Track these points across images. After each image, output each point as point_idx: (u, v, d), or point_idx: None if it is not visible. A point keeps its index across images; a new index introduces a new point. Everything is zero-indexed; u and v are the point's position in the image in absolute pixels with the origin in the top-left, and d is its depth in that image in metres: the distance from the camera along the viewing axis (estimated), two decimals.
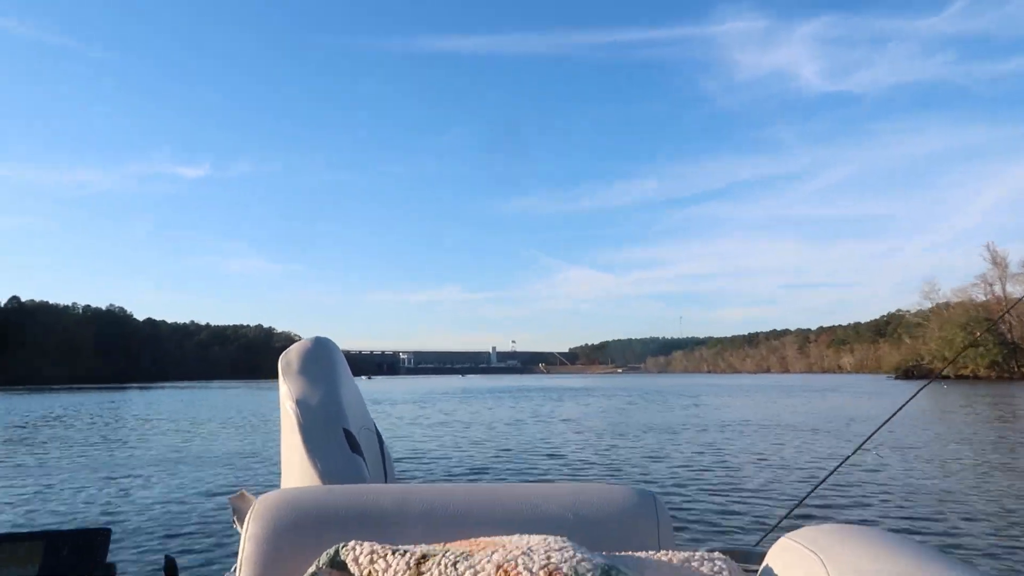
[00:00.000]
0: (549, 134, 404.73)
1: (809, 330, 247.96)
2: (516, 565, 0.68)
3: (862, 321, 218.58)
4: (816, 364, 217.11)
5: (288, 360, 1.45)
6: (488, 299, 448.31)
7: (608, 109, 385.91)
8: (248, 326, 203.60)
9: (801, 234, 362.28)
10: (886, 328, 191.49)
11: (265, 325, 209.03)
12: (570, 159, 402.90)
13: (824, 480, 2.91)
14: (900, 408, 2.95)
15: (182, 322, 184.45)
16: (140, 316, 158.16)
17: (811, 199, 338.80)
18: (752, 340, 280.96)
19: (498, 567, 0.68)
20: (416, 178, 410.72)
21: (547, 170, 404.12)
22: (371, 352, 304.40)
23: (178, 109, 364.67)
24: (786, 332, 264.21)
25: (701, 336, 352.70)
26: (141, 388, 69.92)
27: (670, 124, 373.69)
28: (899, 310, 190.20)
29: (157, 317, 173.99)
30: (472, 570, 0.69)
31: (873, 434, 2.96)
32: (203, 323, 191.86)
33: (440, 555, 0.73)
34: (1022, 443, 15.26)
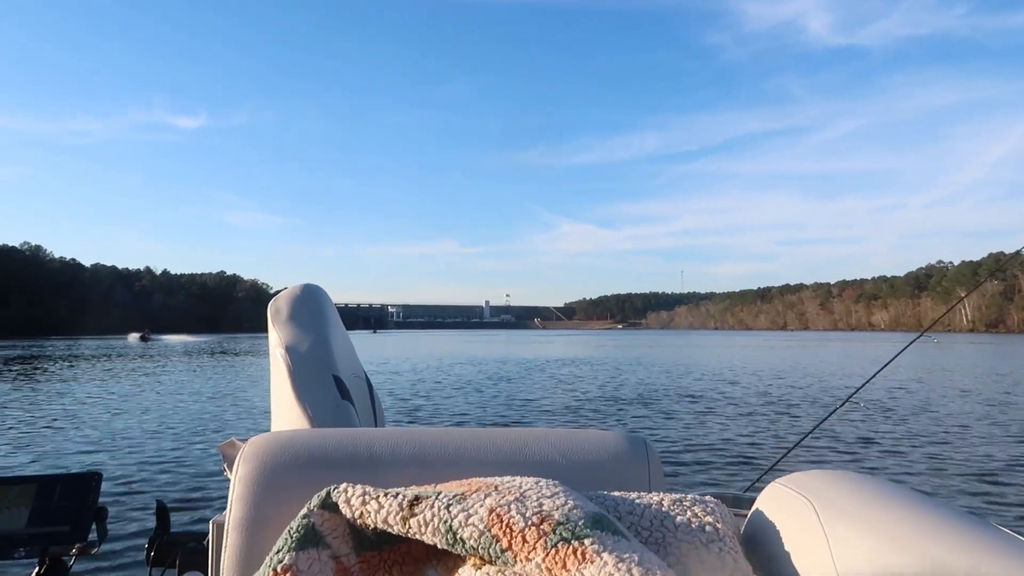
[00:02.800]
0: (551, 86, 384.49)
1: (828, 284, 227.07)
2: (509, 510, 0.68)
3: (887, 275, 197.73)
4: (842, 321, 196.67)
5: (277, 307, 1.43)
6: (484, 253, 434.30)
7: (612, 60, 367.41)
8: (207, 274, 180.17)
9: (803, 189, 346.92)
10: (927, 282, 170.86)
11: (229, 272, 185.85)
12: (572, 112, 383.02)
13: (814, 429, 3.00)
14: (890, 361, 3.10)
15: (135, 268, 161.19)
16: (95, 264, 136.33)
17: (816, 153, 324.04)
18: (764, 295, 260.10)
19: (491, 511, 0.68)
20: (417, 130, 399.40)
21: (548, 123, 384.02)
22: (358, 305, 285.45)
23: (175, 58, 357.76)
24: (801, 287, 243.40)
25: (702, 292, 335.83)
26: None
27: (675, 76, 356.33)
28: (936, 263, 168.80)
29: (108, 263, 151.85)
30: (465, 513, 0.69)
31: (863, 386, 3.09)
32: (159, 270, 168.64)
33: (433, 497, 0.72)
34: None
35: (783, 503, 0.77)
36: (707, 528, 0.74)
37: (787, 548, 0.72)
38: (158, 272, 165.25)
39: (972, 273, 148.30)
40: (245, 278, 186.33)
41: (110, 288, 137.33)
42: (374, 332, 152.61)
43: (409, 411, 12.38)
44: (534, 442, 0.92)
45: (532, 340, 72.16)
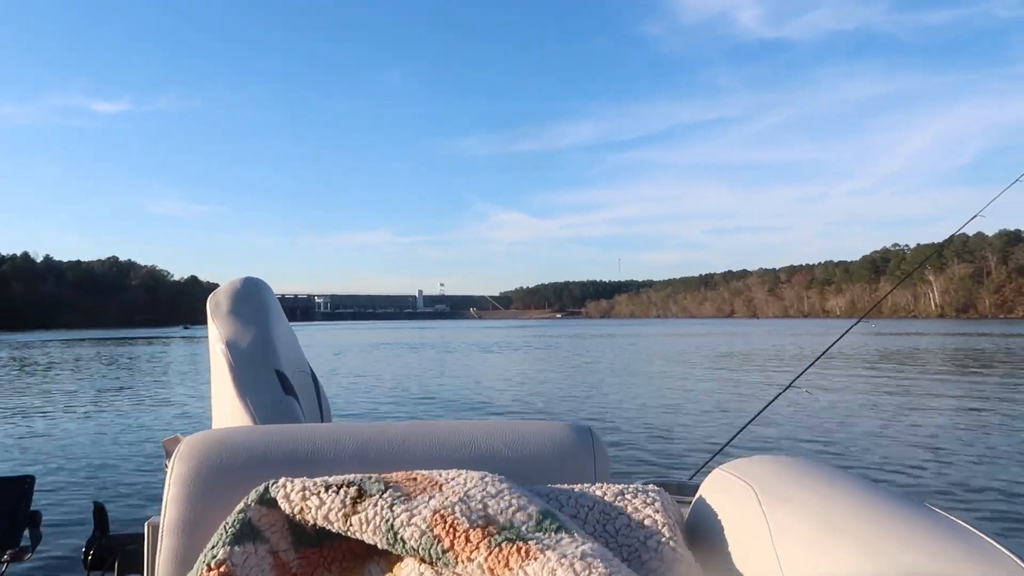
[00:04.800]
0: (489, 74, 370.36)
1: (775, 270, 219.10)
2: (453, 511, 0.66)
3: (834, 260, 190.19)
4: (793, 307, 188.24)
5: (217, 301, 1.39)
6: (420, 243, 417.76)
7: (552, 48, 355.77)
8: (96, 261, 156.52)
9: (732, 179, 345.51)
10: (884, 266, 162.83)
11: (123, 258, 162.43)
12: (509, 100, 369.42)
13: (758, 414, 3.01)
14: (832, 345, 3.17)
15: (8, 254, 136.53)
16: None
17: (746, 144, 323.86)
18: (708, 281, 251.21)
19: (435, 512, 0.66)
20: (353, 118, 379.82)
21: (485, 112, 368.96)
22: (283, 296, 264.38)
23: (93, 44, 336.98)
24: (745, 273, 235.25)
25: (639, 279, 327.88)
26: None
27: (613, 66, 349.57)
28: (896, 245, 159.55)
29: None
30: (408, 513, 0.67)
31: (806, 370, 3.13)
32: (40, 257, 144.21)
33: (377, 496, 0.70)
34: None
35: (725, 490, 0.77)
36: (649, 519, 0.74)
37: (728, 535, 0.72)
38: (39, 259, 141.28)
39: (937, 255, 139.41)
40: (141, 264, 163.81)
41: None
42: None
43: (358, 405, 12.04)
44: (480, 435, 0.91)
45: (469, 334, 57.81)
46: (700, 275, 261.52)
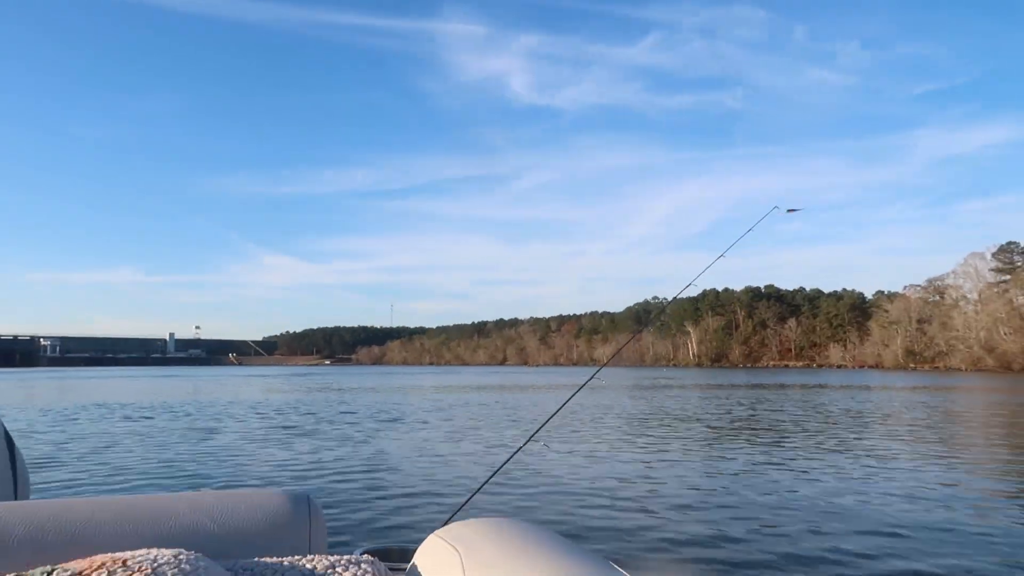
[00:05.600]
0: (260, 112, 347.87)
1: (546, 319, 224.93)
2: None
3: (599, 311, 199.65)
4: (563, 356, 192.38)
5: None
6: (172, 284, 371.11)
7: (326, 94, 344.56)
8: None
9: (498, 234, 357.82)
10: (647, 317, 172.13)
11: None
12: (280, 141, 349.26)
13: (489, 479, 3.01)
14: (569, 399, 3.14)
15: None
16: None
17: (513, 201, 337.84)
18: (481, 329, 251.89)
19: None
20: (104, 143, 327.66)
21: (254, 150, 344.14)
22: None
23: None
24: (517, 322, 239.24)
25: (412, 326, 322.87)
26: None
27: (389, 116, 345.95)
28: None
29: None
30: None
31: (542, 427, 3.10)
32: None
33: None
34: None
35: (436, 556, 0.76)
36: None
37: None
38: None
39: (693, 308, 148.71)
40: None
41: None
42: None
43: (71, 477, 9.35)
44: (185, 509, 0.82)
45: (224, 385, 46.78)
46: (473, 323, 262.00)
